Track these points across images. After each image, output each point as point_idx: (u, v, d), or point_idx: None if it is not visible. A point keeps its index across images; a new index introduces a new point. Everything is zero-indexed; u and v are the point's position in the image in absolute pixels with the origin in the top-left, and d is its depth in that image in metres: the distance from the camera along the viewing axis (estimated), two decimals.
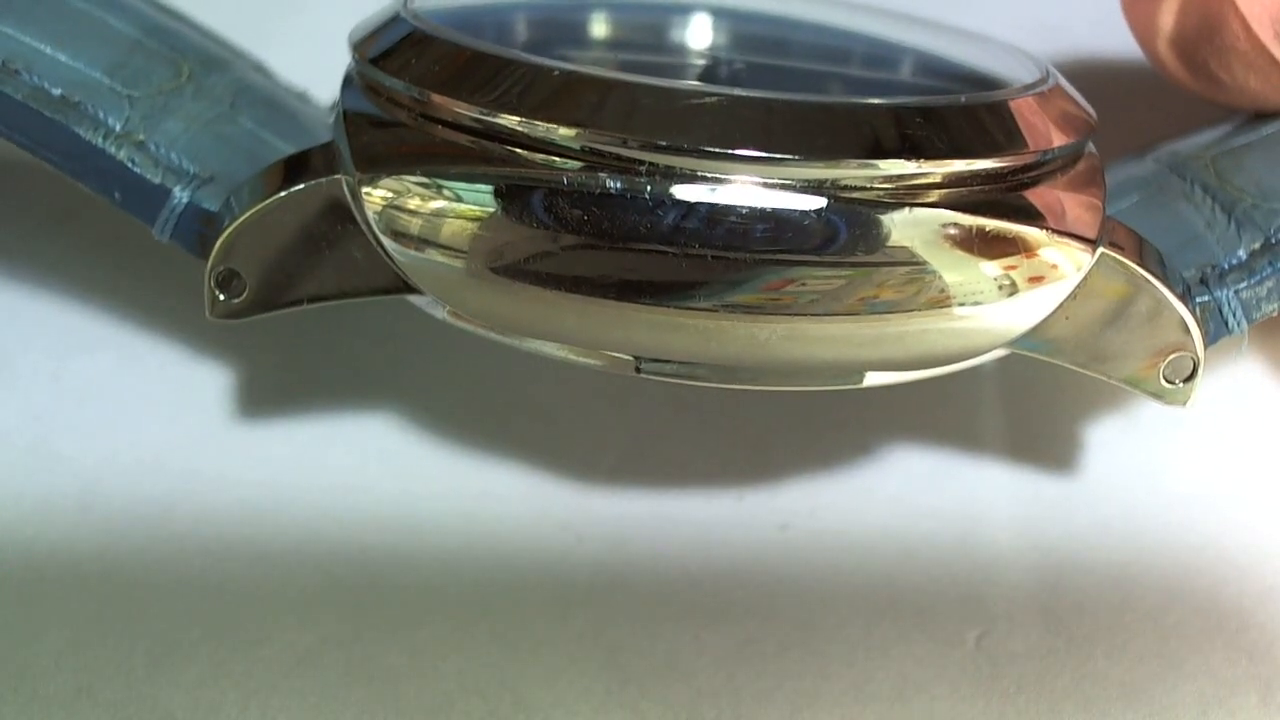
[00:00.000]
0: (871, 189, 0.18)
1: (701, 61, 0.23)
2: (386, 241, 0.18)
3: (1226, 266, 0.21)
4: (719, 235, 0.17)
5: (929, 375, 0.20)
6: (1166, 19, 0.24)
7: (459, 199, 0.18)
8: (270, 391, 0.24)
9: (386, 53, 0.19)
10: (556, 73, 0.18)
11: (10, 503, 0.22)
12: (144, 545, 0.22)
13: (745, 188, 0.17)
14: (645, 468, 0.23)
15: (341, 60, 0.21)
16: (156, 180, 0.20)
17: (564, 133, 0.17)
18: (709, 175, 0.17)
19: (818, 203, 0.18)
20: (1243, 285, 0.21)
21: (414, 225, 0.18)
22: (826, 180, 0.18)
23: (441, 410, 0.24)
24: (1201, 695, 0.20)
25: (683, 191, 0.17)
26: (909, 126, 0.18)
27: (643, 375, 0.19)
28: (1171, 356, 0.20)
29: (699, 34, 0.24)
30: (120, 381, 0.24)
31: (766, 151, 0.17)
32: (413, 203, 0.18)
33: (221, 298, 0.20)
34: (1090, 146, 0.20)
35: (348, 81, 0.20)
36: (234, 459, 0.23)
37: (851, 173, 0.18)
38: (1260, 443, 0.24)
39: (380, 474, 0.23)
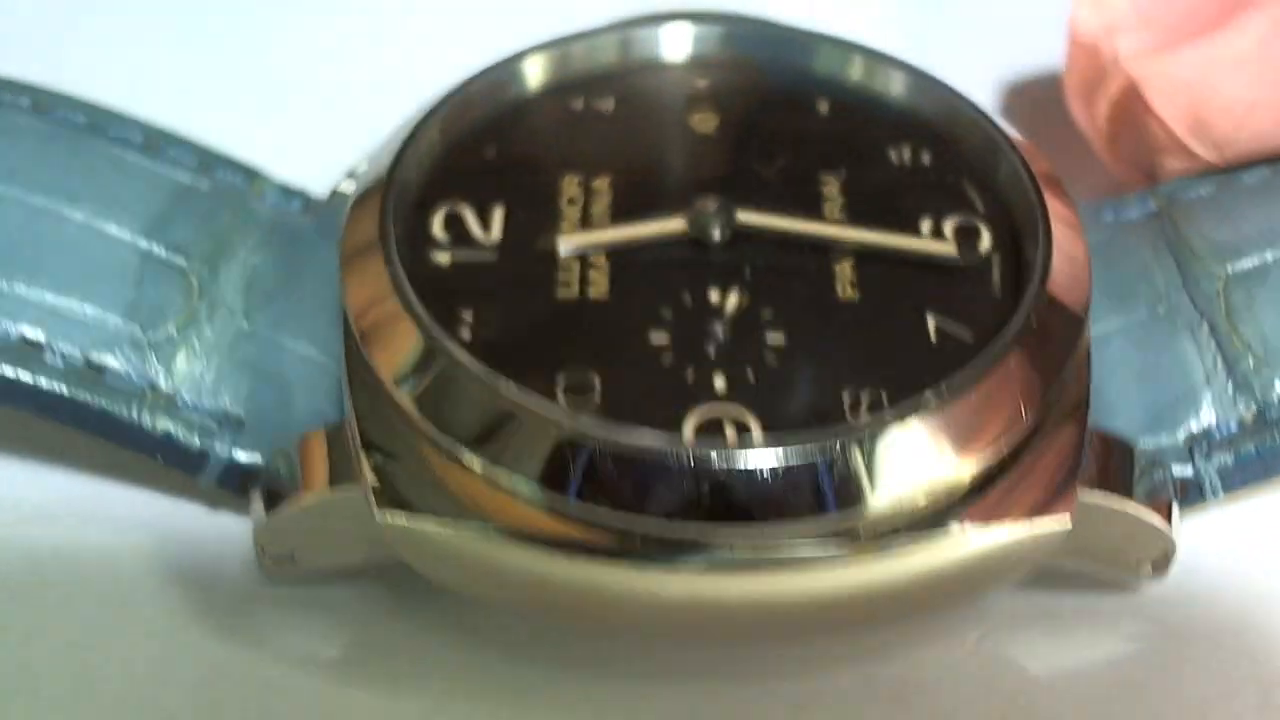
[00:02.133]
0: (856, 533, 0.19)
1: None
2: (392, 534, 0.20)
3: (1218, 437, 0.21)
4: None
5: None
6: (1100, 121, 0.26)
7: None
8: None
9: (386, 340, 0.20)
10: (552, 430, 0.19)
11: (11, 503, 0.22)
12: (145, 546, 0.22)
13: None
14: None
15: None
16: (195, 446, 0.21)
17: (559, 501, 0.19)
18: (692, 541, 0.19)
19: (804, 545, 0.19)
20: (1229, 462, 0.21)
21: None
22: (809, 539, 0.19)
23: None
24: (1202, 696, 0.21)
25: (670, 548, 0.19)
26: (887, 475, 0.19)
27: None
28: (1148, 552, 0.21)
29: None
30: None
31: (745, 522, 0.18)
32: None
33: (271, 564, 0.21)
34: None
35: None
36: None
37: (838, 526, 0.19)
38: None
39: None
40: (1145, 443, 0.21)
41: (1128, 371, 0.22)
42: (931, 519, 0.19)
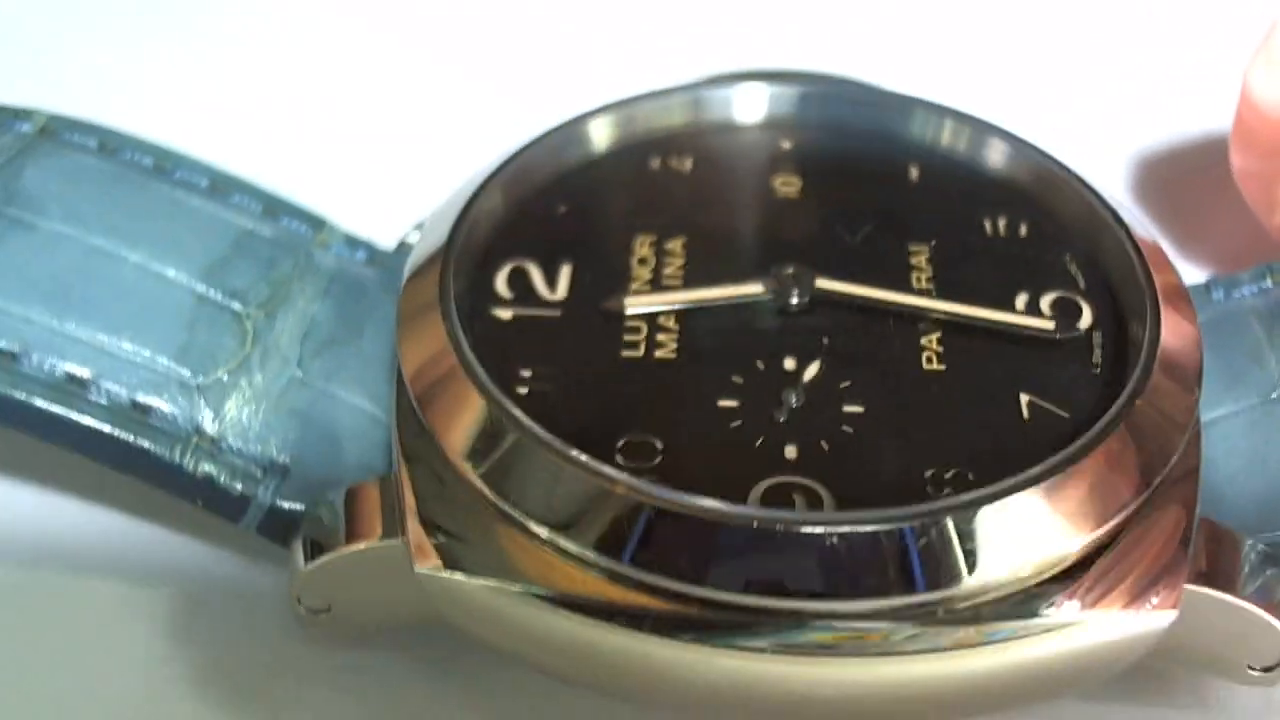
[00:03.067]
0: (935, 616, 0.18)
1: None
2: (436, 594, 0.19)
3: None
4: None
5: None
6: None
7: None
8: None
9: (442, 400, 0.19)
10: (607, 493, 0.18)
11: (37, 539, 0.22)
12: (147, 546, 0.22)
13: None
14: None
15: None
16: (236, 491, 0.20)
17: (612, 567, 0.18)
18: (754, 614, 0.17)
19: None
20: None
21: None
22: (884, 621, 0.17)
23: None
24: (1203, 695, 0.20)
25: (732, 622, 0.18)
26: (970, 555, 0.17)
27: None
28: (1255, 654, 0.19)
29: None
30: None
31: (812, 598, 0.17)
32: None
33: (307, 614, 0.20)
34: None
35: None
36: None
37: (913, 608, 0.18)
38: None
39: None
40: (1255, 538, 0.20)
41: (1236, 461, 0.21)
42: (1021, 605, 0.18)
